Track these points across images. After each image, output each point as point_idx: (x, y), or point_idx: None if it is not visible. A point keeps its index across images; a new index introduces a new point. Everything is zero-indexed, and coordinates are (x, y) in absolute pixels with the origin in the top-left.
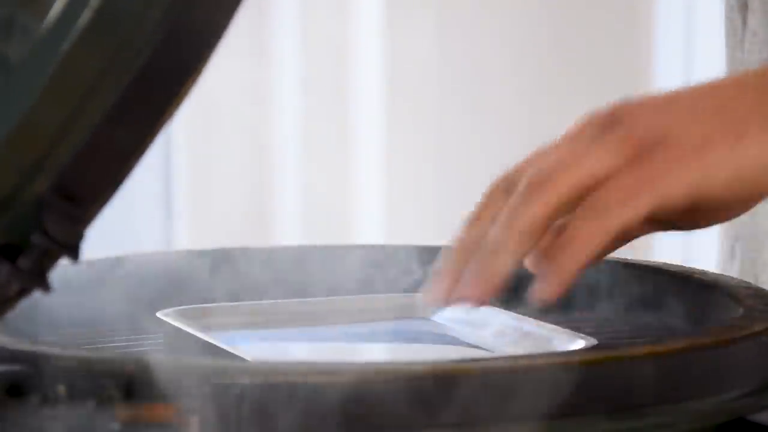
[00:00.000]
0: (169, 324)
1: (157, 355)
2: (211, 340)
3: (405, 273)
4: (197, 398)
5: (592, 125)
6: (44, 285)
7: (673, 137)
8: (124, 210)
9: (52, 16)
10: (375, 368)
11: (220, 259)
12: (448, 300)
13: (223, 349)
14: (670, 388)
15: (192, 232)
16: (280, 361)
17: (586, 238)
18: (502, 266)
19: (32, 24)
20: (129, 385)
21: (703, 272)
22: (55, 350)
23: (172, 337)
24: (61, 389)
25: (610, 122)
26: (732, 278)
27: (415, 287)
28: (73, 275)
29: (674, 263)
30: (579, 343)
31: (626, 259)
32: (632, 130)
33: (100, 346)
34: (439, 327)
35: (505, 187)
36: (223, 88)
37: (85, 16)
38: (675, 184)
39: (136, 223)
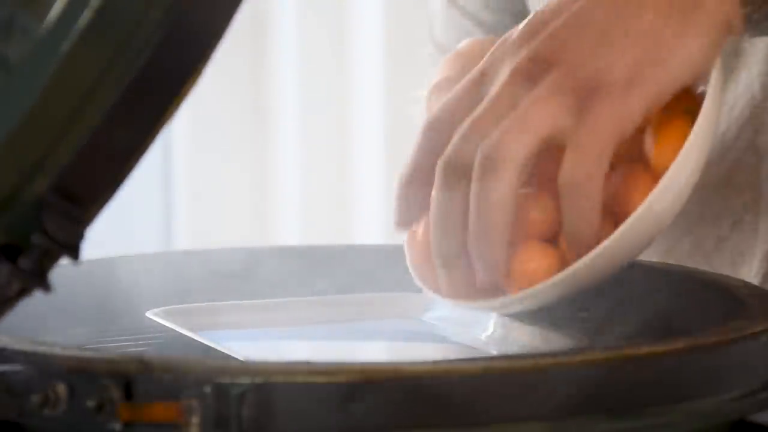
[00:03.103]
0: (167, 324)
1: (157, 355)
2: (203, 341)
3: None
4: (197, 398)
5: (523, 72)
6: (44, 285)
7: (607, 72)
8: (124, 210)
9: (52, 16)
10: (375, 368)
11: (218, 258)
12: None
13: (216, 350)
14: (670, 388)
15: (192, 232)
16: (281, 361)
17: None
18: (500, 254)
19: (32, 24)
20: (129, 385)
21: (703, 272)
22: (55, 350)
23: (170, 338)
24: (61, 389)
25: (541, 68)
26: (732, 278)
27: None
28: (73, 275)
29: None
30: (571, 343)
31: None
32: (569, 74)
33: (100, 346)
34: (430, 326)
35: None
36: (223, 88)
37: (85, 16)
38: (631, 118)
39: (136, 223)
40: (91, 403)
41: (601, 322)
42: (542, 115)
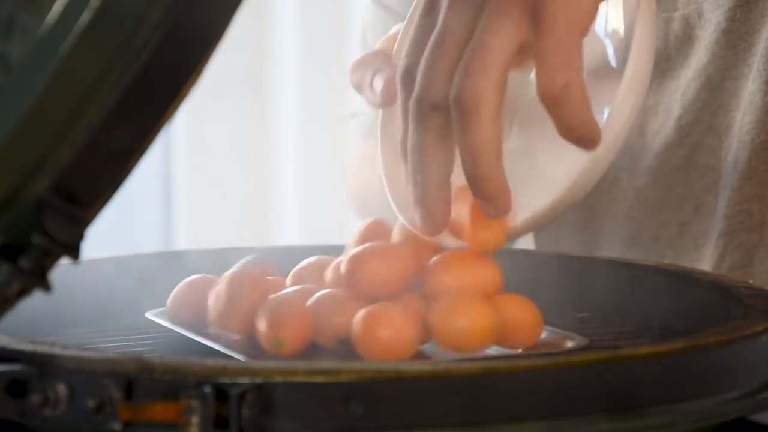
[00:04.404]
0: (167, 324)
1: (157, 355)
2: (203, 341)
3: None
4: (197, 398)
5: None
6: (44, 285)
7: None
8: (124, 210)
9: (52, 16)
10: (375, 368)
11: (219, 258)
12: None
13: (216, 350)
14: (670, 388)
15: (192, 232)
16: (281, 361)
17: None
18: (502, 184)
19: (32, 24)
20: (129, 385)
21: (703, 272)
22: (56, 350)
23: (170, 338)
24: (61, 389)
25: None
26: (732, 278)
27: None
28: (73, 275)
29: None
30: (569, 343)
31: (626, 259)
32: None
33: (100, 346)
34: None
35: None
36: (223, 87)
37: (85, 16)
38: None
39: (136, 223)
40: (91, 403)
41: (601, 322)
42: (500, 40)
